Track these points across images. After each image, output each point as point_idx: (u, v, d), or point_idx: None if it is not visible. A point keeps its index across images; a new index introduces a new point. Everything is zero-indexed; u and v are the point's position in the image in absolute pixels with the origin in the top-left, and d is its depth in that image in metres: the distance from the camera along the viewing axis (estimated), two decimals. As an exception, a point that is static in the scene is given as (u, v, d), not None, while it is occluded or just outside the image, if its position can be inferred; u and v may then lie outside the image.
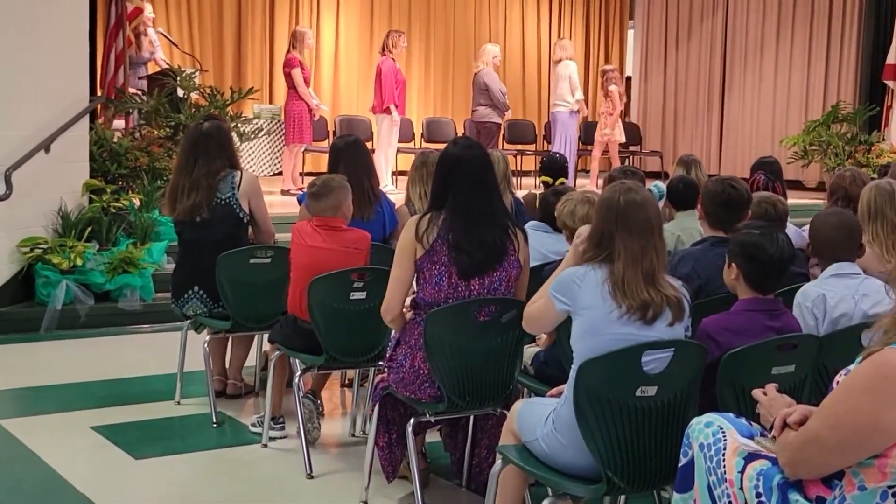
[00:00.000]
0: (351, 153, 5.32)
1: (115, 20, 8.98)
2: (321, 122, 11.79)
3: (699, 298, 3.74)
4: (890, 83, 11.84)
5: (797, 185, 12.61)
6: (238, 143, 8.29)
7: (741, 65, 14.44)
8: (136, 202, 7.96)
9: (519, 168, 12.86)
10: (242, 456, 4.64)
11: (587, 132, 13.43)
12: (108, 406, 5.30)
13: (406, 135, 12.40)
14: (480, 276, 3.70)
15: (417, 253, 3.72)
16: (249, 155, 11.42)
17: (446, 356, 3.66)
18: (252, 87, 9.88)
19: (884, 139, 11.66)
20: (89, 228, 7.42)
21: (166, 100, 8.71)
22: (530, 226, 4.69)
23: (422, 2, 14.58)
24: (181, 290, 5.21)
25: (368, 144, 8.36)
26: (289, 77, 10.60)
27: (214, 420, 5.02)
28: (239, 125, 9.00)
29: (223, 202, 5.15)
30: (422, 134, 13.15)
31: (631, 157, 14.34)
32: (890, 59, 11.78)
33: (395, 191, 10.57)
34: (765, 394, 2.68)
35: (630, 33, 16.45)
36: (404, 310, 3.85)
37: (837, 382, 2.37)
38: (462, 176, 3.74)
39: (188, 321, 5.27)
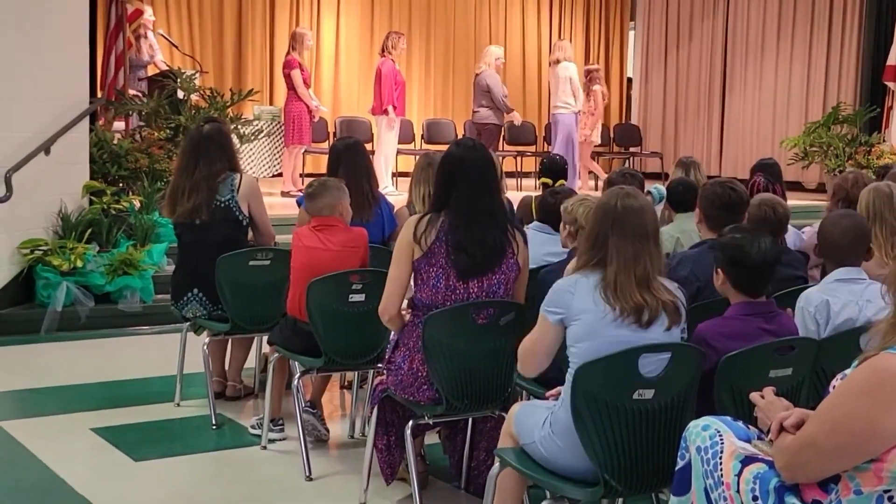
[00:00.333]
0: (350, 155, 5.34)
1: (116, 22, 8.99)
2: (321, 123, 11.80)
3: (697, 301, 3.74)
4: (890, 84, 11.85)
5: (797, 187, 12.61)
6: (238, 145, 8.29)
7: (742, 66, 14.44)
8: (137, 204, 7.97)
9: (519, 169, 12.86)
10: (242, 458, 4.65)
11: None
12: (107, 408, 5.30)
13: (406, 136, 12.40)
14: (479, 278, 3.70)
15: (415, 254, 3.72)
16: (249, 156, 11.43)
17: (445, 358, 3.67)
18: (252, 89, 9.89)
19: (884, 140, 11.66)
20: (89, 230, 7.42)
21: (166, 101, 8.72)
22: (531, 227, 4.70)
23: (422, 3, 14.59)
24: (180, 293, 5.22)
25: (368, 146, 8.38)
26: (288, 78, 10.61)
27: (214, 422, 5.02)
28: (239, 127, 9.01)
29: (223, 205, 5.16)
30: (422, 135, 13.15)
31: (631, 158, 14.37)
32: (890, 60, 11.78)
33: (395, 192, 10.58)
34: (762, 397, 2.68)
35: (630, 34, 16.46)
36: (403, 311, 3.86)
37: (834, 387, 2.37)
38: (464, 177, 3.75)
39: (188, 323, 5.28)
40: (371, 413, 3.99)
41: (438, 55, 14.81)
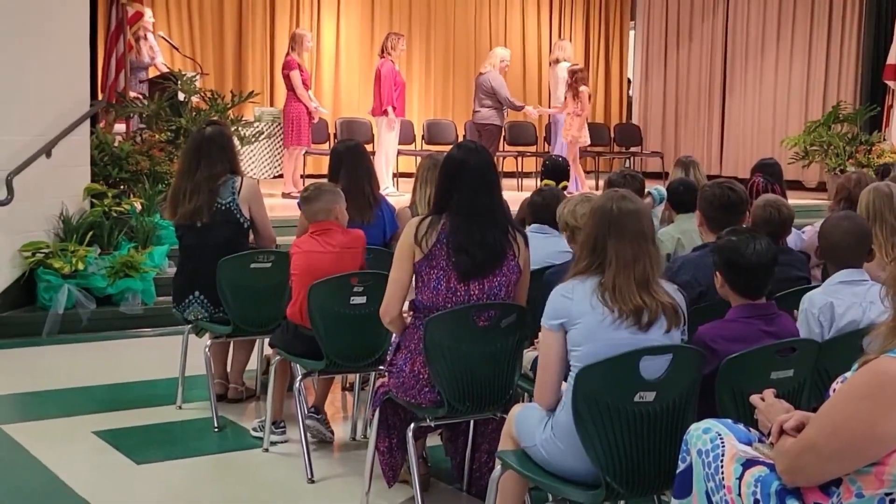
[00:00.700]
0: (352, 157, 5.35)
1: (116, 24, 8.99)
2: (322, 124, 11.79)
3: (699, 305, 3.74)
4: (890, 83, 11.84)
5: (797, 186, 12.60)
6: (239, 147, 8.30)
7: (742, 65, 14.44)
8: (138, 206, 7.97)
9: (520, 169, 12.86)
10: (244, 460, 4.65)
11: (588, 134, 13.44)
12: (109, 410, 5.31)
13: (407, 137, 12.40)
14: (479, 280, 3.71)
15: (416, 256, 3.73)
16: (250, 158, 11.43)
17: (446, 361, 3.67)
18: (252, 91, 9.91)
19: (884, 139, 11.66)
20: (91, 233, 7.42)
21: (167, 104, 8.72)
22: (530, 229, 4.70)
23: (422, 4, 14.58)
24: (182, 295, 5.23)
25: (369, 147, 8.38)
26: (287, 79, 10.61)
27: (216, 424, 5.02)
28: (240, 129, 9.01)
29: (223, 207, 5.16)
30: (422, 136, 13.15)
31: (632, 158, 14.36)
32: (890, 59, 11.78)
33: (395, 193, 10.59)
34: (762, 399, 2.68)
35: (630, 34, 16.45)
36: (404, 313, 3.86)
37: (834, 390, 2.38)
38: (465, 179, 3.75)
39: (189, 325, 5.28)
40: (373, 415, 3.99)
41: (438, 56, 14.81)
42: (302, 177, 10.98)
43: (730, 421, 2.72)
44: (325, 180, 5.15)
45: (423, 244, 3.71)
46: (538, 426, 3.18)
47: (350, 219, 4.90)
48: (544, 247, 4.53)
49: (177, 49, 11.55)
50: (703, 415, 2.88)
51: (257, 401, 5.50)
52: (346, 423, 5.09)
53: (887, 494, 2.24)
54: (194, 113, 8.82)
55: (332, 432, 4.79)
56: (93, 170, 7.92)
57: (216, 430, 5.00)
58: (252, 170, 10.75)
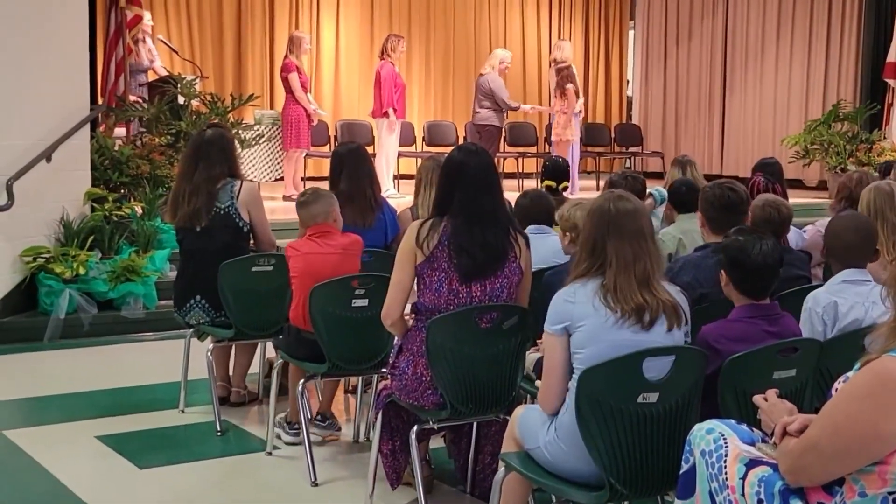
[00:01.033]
0: (353, 160, 5.35)
1: (115, 28, 8.97)
2: (322, 126, 11.79)
3: (701, 306, 3.73)
4: (890, 81, 11.85)
5: (798, 185, 12.60)
6: (240, 150, 8.29)
7: (742, 64, 14.44)
8: (138, 210, 7.97)
9: (521, 170, 12.86)
10: (247, 464, 4.65)
11: (588, 134, 13.45)
12: (111, 415, 5.30)
13: (407, 138, 12.40)
14: (481, 281, 3.71)
15: (417, 259, 3.73)
16: (251, 161, 11.43)
17: (448, 363, 3.67)
18: (252, 94, 9.89)
19: (885, 137, 11.67)
20: (91, 237, 7.42)
21: (167, 107, 8.72)
22: (529, 230, 4.69)
23: (422, 5, 14.59)
24: (183, 300, 5.23)
25: (369, 149, 8.37)
26: (286, 82, 10.60)
27: (218, 428, 5.02)
28: (240, 132, 9.01)
29: (222, 211, 5.16)
30: (423, 137, 13.15)
31: (632, 159, 14.37)
32: (890, 58, 11.78)
33: (396, 195, 10.58)
34: (765, 399, 2.68)
35: (630, 34, 16.46)
36: (406, 316, 3.86)
37: (836, 389, 2.38)
38: (466, 181, 3.75)
39: (191, 329, 5.28)
40: (376, 418, 3.99)
41: (438, 57, 14.81)
42: (303, 179, 10.98)
43: (733, 421, 2.72)
44: (325, 183, 5.15)
45: (424, 247, 3.71)
46: (541, 428, 3.18)
47: (352, 222, 4.91)
48: (544, 247, 4.54)
49: (176, 52, 11.56)
50: (706, 415, 2.89)
51: (260, 404, 5.50)
52: (348, 426, 5.09)
53: (890, 493, 2.24)
54: (194, 116, 8.82)
55: (339, 428, 4.83)
56: (93, 174, 7.92)
57: (219, 433, 5.00)
58: (252, 173, 10.75)
